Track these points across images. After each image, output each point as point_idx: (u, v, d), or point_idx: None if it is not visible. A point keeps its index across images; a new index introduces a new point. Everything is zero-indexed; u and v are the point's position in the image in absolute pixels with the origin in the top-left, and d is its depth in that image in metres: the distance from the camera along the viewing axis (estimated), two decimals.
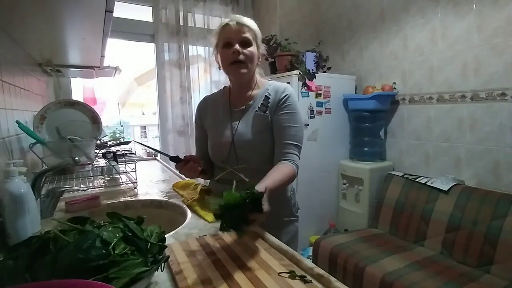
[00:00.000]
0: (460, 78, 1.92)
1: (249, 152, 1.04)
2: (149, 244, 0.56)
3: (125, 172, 1.51)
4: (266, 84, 1.10)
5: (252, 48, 1.02)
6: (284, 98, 1.03)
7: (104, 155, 1.45)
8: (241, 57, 0.99)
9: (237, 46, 0.99)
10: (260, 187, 0.77)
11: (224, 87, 1.19)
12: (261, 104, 1.05)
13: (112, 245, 0.51)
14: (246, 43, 1.01)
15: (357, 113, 2.43)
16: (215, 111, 1.13)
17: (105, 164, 1.49)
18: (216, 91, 1.24)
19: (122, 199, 1.18)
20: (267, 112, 1.04)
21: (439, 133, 2.07)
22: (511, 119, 1.70)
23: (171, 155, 1.03)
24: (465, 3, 1.86)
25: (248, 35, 1.01)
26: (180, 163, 1.01)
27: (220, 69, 1.09)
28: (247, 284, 0.58)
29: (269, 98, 1.05)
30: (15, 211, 0.72)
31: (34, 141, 1.21)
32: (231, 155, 1.05)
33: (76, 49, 1.50)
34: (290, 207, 1.12)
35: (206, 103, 1.19)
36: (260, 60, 1.08)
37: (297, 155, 1.00)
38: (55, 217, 0.96)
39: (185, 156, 1.02)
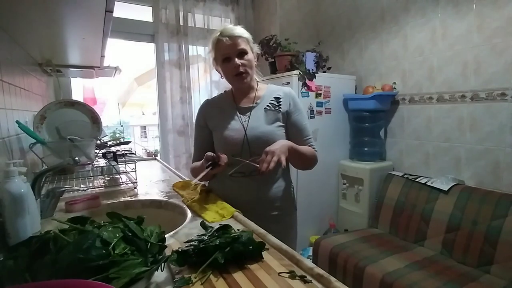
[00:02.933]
0: (460, 78, 1.92)
1: (261, 143, 1.08)
2: (149, 244, 0.56)
3: (125, 172, 1.51)
4: (270, 87, 1.20)
5: (249, 56, 1.11)
6: (295, 101, 1.17)
7: (104, 155, 1.45)
8: (242, 68, 1.09)
9: (236, 60, 1.08)
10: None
11: (225, 91, 1.26)
12: (270, 103, 1.14)
13: (112, 245, 0.51)
14: (242, 53, 1.09)
15: (357, 113, 2.43)
16: (221, 110, 1.18)
17: (105, 164, 1.49)
18: (216, 91, 1.27)
19: (122, 199, 1.18)
20: (278, 109, 1.14)
21: (439, 133, 2.07)
22: (511, 119, 1.70)
23: (208, 165, 1.01)
24: (465, 3, 1.86)
25: (242, 45, 1.09)
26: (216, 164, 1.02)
27: (222, 78, 1.17)
28: (247, 284, 0.58)
29: (280, 98, 1.15)
30: (15, 211, 0.72)
31: (34, 141, 1.21)
32: (244, 148, 1.10)
33: (76, 49, 1.50)
34: (292, 198, 1.23)
35: (209, 104, 1.24)
36: (256, 60, 1.16)
37: (314, 144, 1.18)
38: (55, 217, 0.96)
39: (213, 156, 1.02)
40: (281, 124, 1.13)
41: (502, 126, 1.74)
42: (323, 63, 2.45)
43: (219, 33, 1.09)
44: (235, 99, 1.18)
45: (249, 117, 1.13)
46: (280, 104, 1.14)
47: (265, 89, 1.19)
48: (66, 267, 0.46)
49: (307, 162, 1.16)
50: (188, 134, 2.72)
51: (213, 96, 1.32)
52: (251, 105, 1.15)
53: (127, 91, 6.22)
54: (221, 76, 1.17)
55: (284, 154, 0.98)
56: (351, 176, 2.39)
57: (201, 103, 1.26)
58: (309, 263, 0.64)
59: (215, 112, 1.19)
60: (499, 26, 1.71)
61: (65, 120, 1.42)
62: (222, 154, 1.03)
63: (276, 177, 1.15)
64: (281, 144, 1.00)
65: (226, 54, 1.08)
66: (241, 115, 1.14)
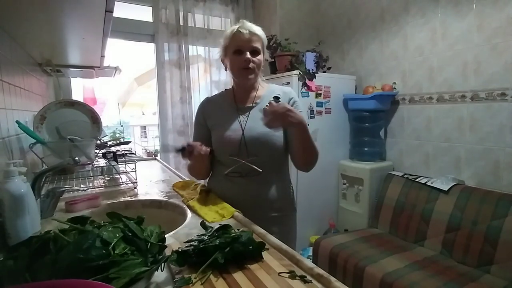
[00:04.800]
0: (460, 78, 1.92)
1: (259, 144, 1.08)
2: (149, 244, 0.56)
3: (125, 172, 1.51)
4: (271, 86, 1.20)
5: (260, 57, 1.10)
6: (295, 101, 1.15)
7: (104, 155, 1.45)
8: (251, 65, 1.08)
9: (248, 55, 1.07)
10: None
11: (226, 89, 1.25)
12: (270, 103, 1.10)
13: (112, 245, 0.51)
14: (255, 52, 1.09)
15: (357, 113, 2.43)
16: (221, 109, 1.18)
17: (105, 164, 1.49)
18: (216, 91, 1.27)
19: (122, 199, 1.18)
20: None
21: (439, 133, 2.07)
22: (511, 119, 1.70)
23: (178, 149, 1.05)
24: (465, 3, 1.86)
25: (258, 44, 1.09)
26: (185, 151, 1.04)
27: (226, 70, 1.16)
28: (247, 284, 0.58)
29: (279, 99, 1.13)
30: (15, 211, 0.72)
31: (34, 141, 1.21)
32: (241, 149, 1.09)
33: (76, 49, 1.50)
34: (291, 199, 1.22)
35: (209, 102, 1.23)
36: (263, 64, 1.15)
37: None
38: (55, 217, 0.96)
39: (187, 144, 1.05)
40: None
41: (502, 126, 1.74)
42: (323, 63, 2.46)
43: (239, 25, 1.08)
44: (236, 97, 1.17)
45: (247, 117, 1.12)
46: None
47: (266, 89, 1.18)
48: (66, 267, 0.46)
49: (312, 153, 1.09)
50: (188, 134, 2.72)
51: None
52: (251, 104, 1.15)
53: (127, 91, 6.21)
54: (225, 68, 1.15)
55: (295, 118, 0.96)
56: (351, 176, 2.39)
57: (201, 101, 1.25)
58: (309, 263, 0.64)
59: (215, 111, 1.18)
60: (499, 26, 1.71)
61: (65, 120, 1.43)
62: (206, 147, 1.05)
63: (275, 178, 1.15)
64: (299, 111, 1.00)
65: (240, 47, 1.07)
66: (240, 115, 1.13)
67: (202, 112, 1.21)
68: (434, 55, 2.05)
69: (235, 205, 1.03)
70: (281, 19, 2.78)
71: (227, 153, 1.10)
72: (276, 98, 1.14)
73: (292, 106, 1.13)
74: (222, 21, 2.85)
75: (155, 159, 2.21)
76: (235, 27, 1.08)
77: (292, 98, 1.16)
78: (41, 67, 1.72)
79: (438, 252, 1.80)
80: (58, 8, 0.89)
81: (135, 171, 1.40)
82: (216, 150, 1.15)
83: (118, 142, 1.96)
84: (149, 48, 2.72)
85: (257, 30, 1.09)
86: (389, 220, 2.11)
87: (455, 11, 1.91)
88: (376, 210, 2.23)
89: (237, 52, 1.08)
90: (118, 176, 1.45)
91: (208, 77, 2.85)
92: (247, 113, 1.13)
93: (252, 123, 1.11)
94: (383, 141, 2.44)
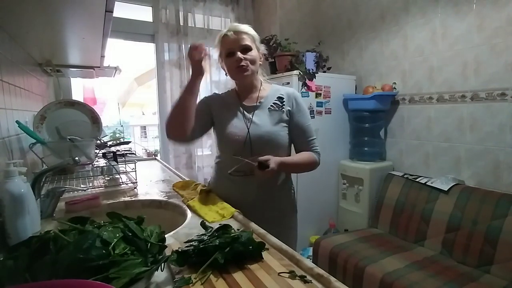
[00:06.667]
0: (460, 78, 1.92)
1: (264, 143, 1.09)
2: (149, 244, 0.56)
3: (125, 172, 1.51)
4: (274, 87, 1.21)
5: (253, 52, 1.11)
6: (298, 101, 1.17)
7: (104, 155, 1.45)
8: (244, 62, 1.09)
9: (239, 54, 1.08)
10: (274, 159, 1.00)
11: (229, 90, 1.26)
12: (274, 103, 1.14)
13: (112, 245, 0.51)
14: (246, 49, 1.10)
15: (357, 113, 2.43)
16: (226, 105, 1.18)
17: (105, 164, 1.49)
18: (216, 91, 1.28)
19: (122, 199, 1.18)
20: (281, 109, 1.14)
21: (439, 133, 2.07)
22: (511, 119, 1.70)
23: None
24: (465, 3, 1.86)
25: (247, 41, 1.10)
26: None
27: (227, 75, 1.18)
28: (247, 284, 0.58)
29: (283, 98, 1.15)
30: (15, 211, 0.72)
31: (34, 141, 1.21)
32: (246, 147, 1.09)
33: (76, 49, 1.50)
34: (293, 200, 1.23)
35: (216, 96, 1.24)
36: (261, 59, 1.17)
37: (317, 145, 1.19)
38: (55, 217, 0.96)
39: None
40: (285, 125, 1.13)
41: (502, 126, 1.74)
42: (323, 63, 2.46)
43: (226, 29, 1.11)
44: (239, 97, 1.18)
45: (252, 116, 1.13)
46: (284, 104, 1.14)
47: (269, 89, 1.19)
48: (66, 267, 0.46)
49: (303, 170, 1.20)
50: None
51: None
52: (255, 104, 1.15)
53: (127, 91, 6.21)
54: (226, 73, 1.17)
55: (273, 167, 0.99)
56: (351, 176, 2.39)
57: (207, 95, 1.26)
58: (309, 263, 0.64)
59: (221, 106, 1.19)
60: (499, 26, 1.71)
61: (65, 120, 1.43)
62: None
63: (277, 180, 1.15)
64: (273, 160, 1.01)
65: (230, 49, 1.09)
66: (244, 113, 1.14)
67: (207, 99, 1.22)
68: (434, 55, 2.05)
69: (237, 205, 1.03)
70: (281, 19, 2.78)
71: (231, 151, 1.10)
72: (280, 99, 1.15)
73: (295, 107, 1.15)
74: (222, 21, 2.85)
75: (155, 159, 2.21)
76: (223, 32, 1.11)
77: (296, 99, 1.16)
78: (41, 67, 1.72)
79: (438, 252, 1.80)
80: (58, 8, 0.89)
81: (135, 171, 1.40)
82: (220, 147, 1.16)
83: (118, 142, 1.96)
84: (149, 48, 2.72)
85: (243, 28, 1.11)
86: (389, 220, 2.11)
87: (455, 11, 1.91)
88: (376, 210, 2.23)
89: (229, 54, 1.10)
90: (118, 176, 1.45)
91: (208, 77, 2.84)
92: (252, 112, 1.14)
93: (258, 122, 1.12)
94: (383, 141, 2.44)
